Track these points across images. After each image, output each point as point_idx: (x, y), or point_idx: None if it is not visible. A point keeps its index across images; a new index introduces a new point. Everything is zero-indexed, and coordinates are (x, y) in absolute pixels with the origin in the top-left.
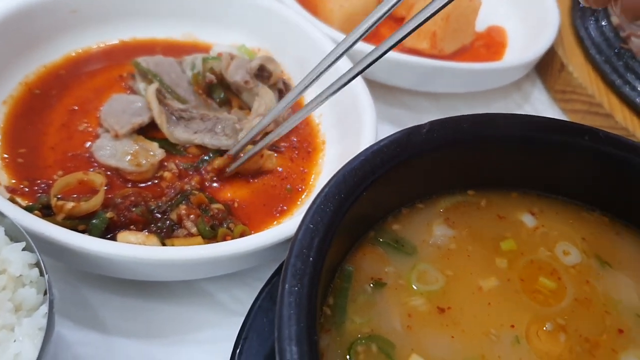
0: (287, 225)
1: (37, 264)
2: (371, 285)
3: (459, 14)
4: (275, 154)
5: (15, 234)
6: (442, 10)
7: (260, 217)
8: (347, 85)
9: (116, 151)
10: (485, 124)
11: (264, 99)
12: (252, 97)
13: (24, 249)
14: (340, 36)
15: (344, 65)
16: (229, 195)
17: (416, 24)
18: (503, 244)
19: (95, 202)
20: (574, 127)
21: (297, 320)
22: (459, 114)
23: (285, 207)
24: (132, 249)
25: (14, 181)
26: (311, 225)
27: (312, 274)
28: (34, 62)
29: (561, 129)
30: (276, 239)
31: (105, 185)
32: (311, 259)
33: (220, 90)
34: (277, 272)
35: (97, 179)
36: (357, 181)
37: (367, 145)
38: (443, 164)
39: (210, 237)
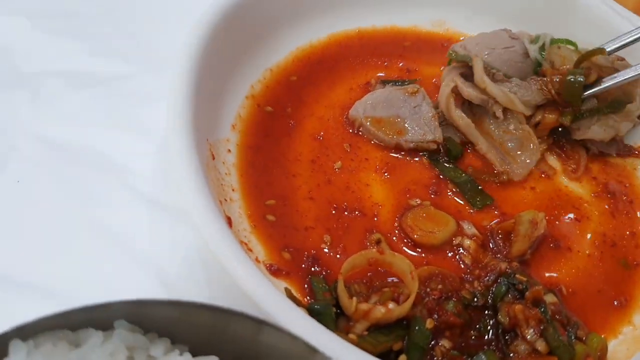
0: None
1: None
2: None
3: None
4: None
5: None
6: None
7: (598, 311)
8: None
9: None
10: None
11: None
12: None
13: None
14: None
15: None
16: (545, 274)
17: None
18: None
19: (410, 305)
20: None
21: None
22: None
23: (627, 294)
24: None
25: (270, 255)
26: None
27: None
28: (258, 66)
29: None
30: None
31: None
32: None
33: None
34: None
35: (402, 264)
36: None
37: None
38: None
39: (569, 357)
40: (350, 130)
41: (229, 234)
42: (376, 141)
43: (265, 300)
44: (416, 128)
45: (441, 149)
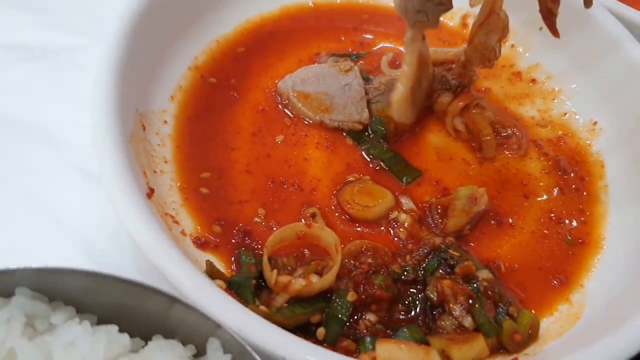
0: None
1: None
2: None
3: None
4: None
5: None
6: None
7: (537, 288)
8: None
9: None
10: None
11: None
12: None
13: None
14: None
15: None
16: (487, 250)
17: None
18: None
19: (332, 277)
20: None
21: None
22: None
23: (568, 272)
24: None
25: (199, 228)
26: None
27: None
28: (204, 38)
29: None
30: None
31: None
32: None
33: None
34: None
35: (329, 237)
36: None
37: None
38: None
39: (495, 334)
40: (280, 106)
41: (142, 204)
42: (303, 117)
43: (173, 273)
44: (343, 107)
45: (369, 130)
